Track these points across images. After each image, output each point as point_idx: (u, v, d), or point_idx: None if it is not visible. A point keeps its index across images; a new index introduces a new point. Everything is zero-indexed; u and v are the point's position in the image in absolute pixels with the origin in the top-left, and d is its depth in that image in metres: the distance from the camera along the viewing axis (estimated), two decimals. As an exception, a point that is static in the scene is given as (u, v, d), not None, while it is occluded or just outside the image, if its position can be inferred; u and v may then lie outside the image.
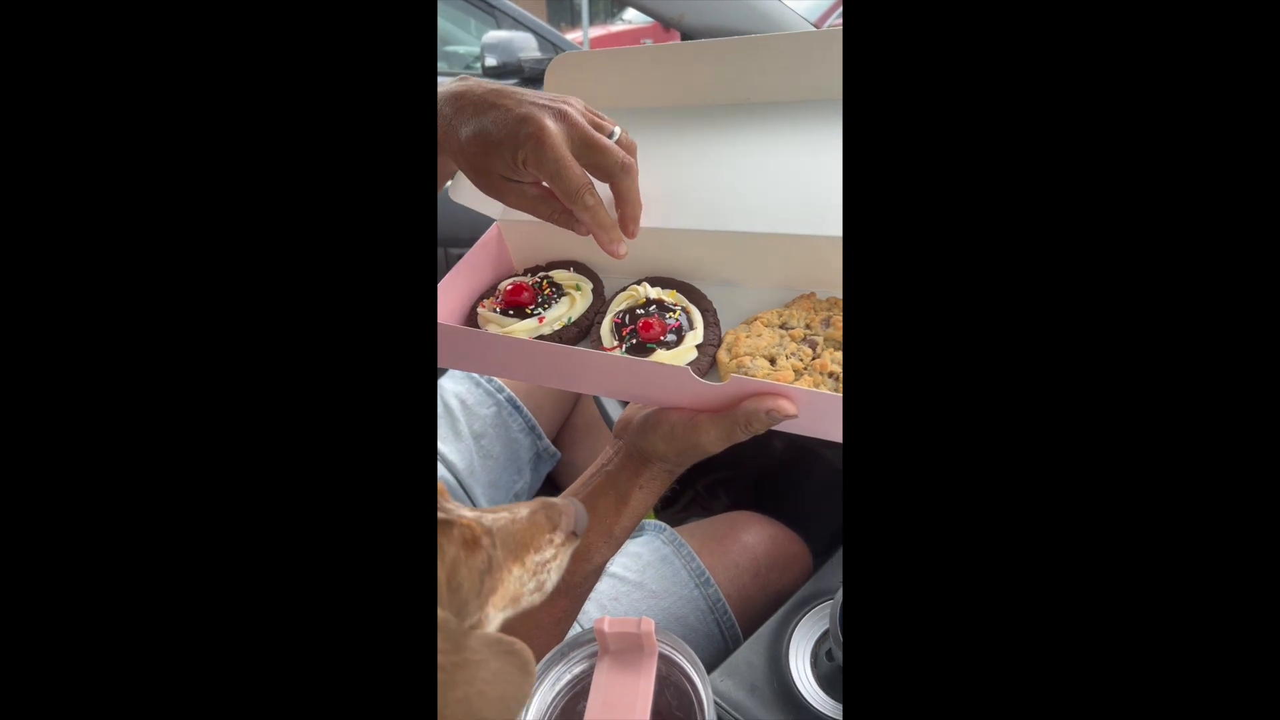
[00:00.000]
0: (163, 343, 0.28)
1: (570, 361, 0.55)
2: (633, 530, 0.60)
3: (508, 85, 0.57)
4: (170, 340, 0.28)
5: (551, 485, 1.07)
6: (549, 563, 0.42)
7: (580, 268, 0.68)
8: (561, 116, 0.55)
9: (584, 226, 0.58)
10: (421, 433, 0.31)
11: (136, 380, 0.28)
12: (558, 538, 0.43)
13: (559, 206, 0.58)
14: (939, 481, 0.28)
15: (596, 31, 6.81)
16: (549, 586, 0.42)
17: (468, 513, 0.39)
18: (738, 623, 0.78)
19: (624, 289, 0.65)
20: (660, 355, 0.58)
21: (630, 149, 0.59)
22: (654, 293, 0.62)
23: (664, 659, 0.51)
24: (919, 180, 0.29)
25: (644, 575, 0.80)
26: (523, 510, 0.42)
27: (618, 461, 0.60)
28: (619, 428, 0.62)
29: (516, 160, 0.54)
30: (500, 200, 0.59)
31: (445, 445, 0.94)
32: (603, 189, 0.58)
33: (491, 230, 0.69)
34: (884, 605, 0.29)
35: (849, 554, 0.30)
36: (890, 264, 0.29)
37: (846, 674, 0.29)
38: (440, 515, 0.37)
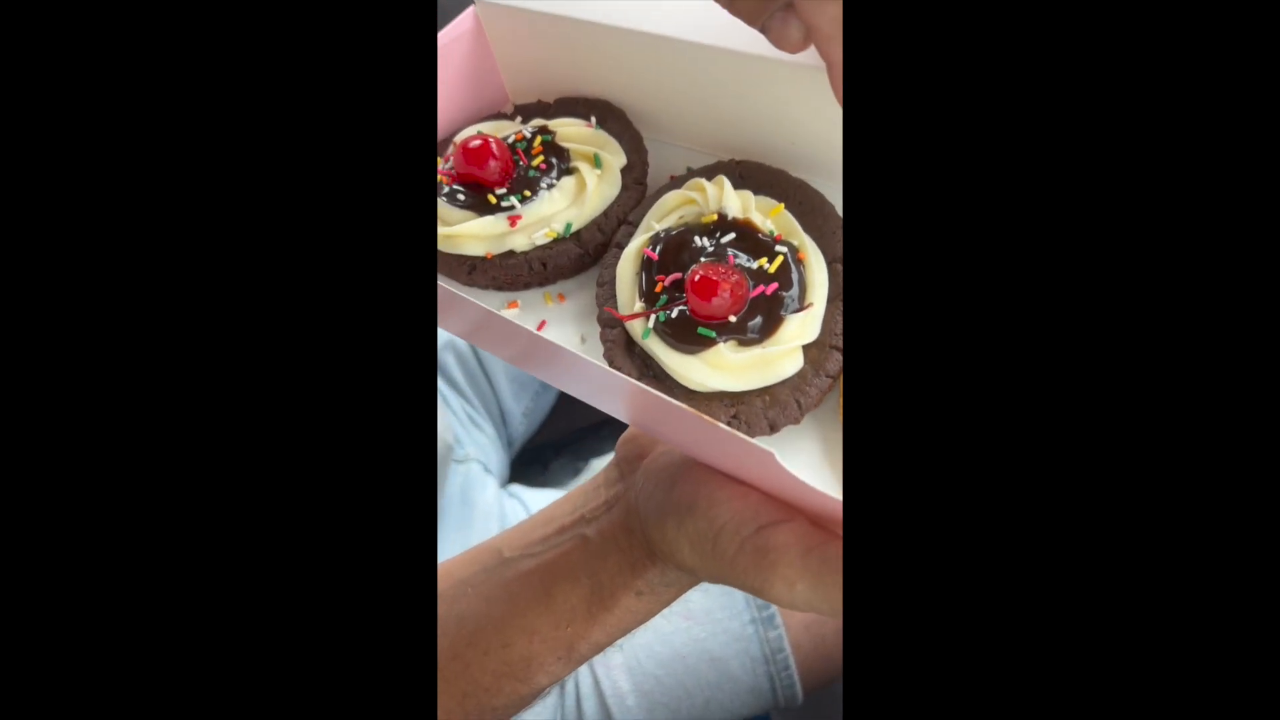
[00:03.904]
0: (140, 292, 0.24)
1: (556, 359, 0.27)
2: (608, 647, 0.34)
3: None
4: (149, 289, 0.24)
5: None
6: None
7: (613, 116, 0.35)
8: None
9: (793, 28, 0.26)
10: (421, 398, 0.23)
11: (100, 311, 0.25)
12: None
13: None
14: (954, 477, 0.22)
15: None
16: None
17: None
18: (800, 681, 0.52)
19: (682, 178, 0.33)
20: (723, 355, 0.28)
21: None
22: (736, 205, 0.30)
23: None
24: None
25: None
26: None
27: (607, 525, 0.33)
28: (623, 454, 0.34)
29: None
30: None
31: None
32: None
33: (464, 18, 0.36)
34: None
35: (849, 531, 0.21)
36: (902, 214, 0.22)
37: (846, 651, 0.21)
38: None
